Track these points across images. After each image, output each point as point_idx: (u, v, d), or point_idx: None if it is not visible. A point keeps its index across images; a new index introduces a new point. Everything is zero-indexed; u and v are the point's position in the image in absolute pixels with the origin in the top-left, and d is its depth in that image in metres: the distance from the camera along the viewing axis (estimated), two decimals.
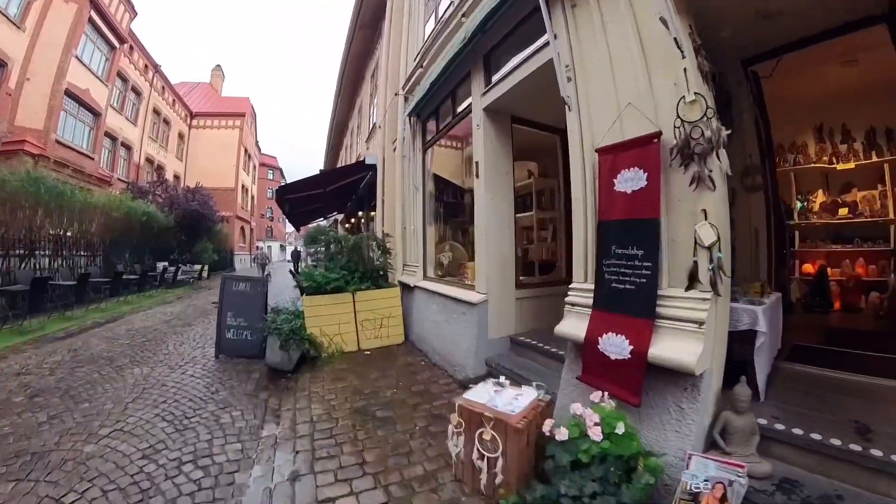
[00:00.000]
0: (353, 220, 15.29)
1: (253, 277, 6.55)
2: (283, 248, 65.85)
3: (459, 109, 5.32)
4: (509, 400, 2.55)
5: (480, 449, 2.38)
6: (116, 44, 17.99)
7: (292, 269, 16.16)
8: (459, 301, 4.68)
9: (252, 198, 39.78)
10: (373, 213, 11.46)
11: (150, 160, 22.91)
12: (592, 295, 2.68)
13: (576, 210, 2.98)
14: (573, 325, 2.78)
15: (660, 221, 2.34)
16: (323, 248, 7.40)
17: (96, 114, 16.93)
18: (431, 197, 6.50)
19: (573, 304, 2.91)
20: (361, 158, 10.04)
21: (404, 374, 4.70)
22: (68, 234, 11.08)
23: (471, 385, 2.94)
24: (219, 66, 38.92)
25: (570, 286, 3.02)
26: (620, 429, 2.06)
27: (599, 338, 2.49)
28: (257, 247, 37.06)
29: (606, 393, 2.32)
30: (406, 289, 6.44)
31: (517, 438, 2.28)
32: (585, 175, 2.90)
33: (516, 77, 3.93)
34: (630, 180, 2.44)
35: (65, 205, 10.51)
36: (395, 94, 7.69)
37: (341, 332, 5.68)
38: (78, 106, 15.81)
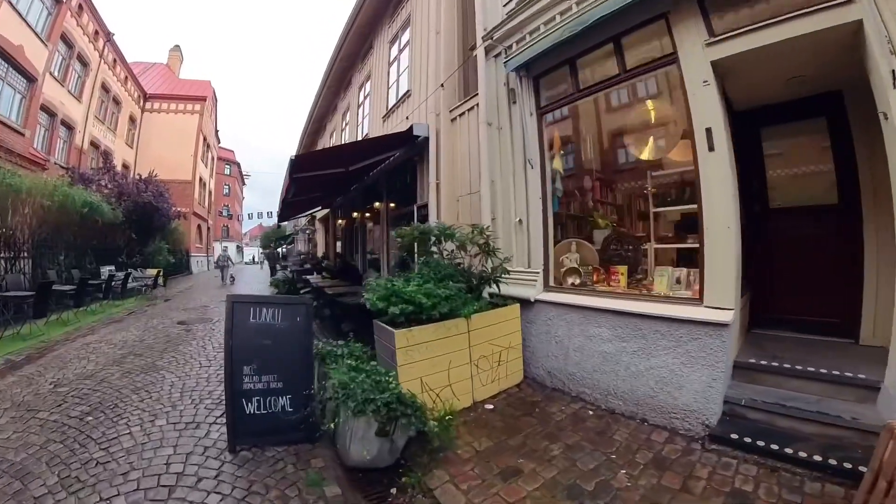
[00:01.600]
0: (353, 216, 12.78)
1: (287, 300, 4.26)
2: (239, 249, 61.15)
3: (632, 62, 3.89)
4: None
5: None
6: None
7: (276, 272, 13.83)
8: (677, 321, 3.26)
9: (210, 193, 35.99)
10: (388, 205, 9.48)
11: (95, 144, 19.30)
12: None
13: None
14: None
15: None
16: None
17: (31, 79, 13.65)
18: (554, 177, 4.79)
19: None
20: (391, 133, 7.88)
21: (588, 436, 3.11)
22: None
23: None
24: (177, 46, 35.05)
25: None
26: None
27: None
28: (224, 247, 33.38)
29: None
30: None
31: None
32: None
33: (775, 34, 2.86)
34: None
35: None
36: (471, 48, 5.67)
37: (451, 382, 3.63)
38: (6, 66, 12.57)
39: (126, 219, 14.88)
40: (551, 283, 4.51)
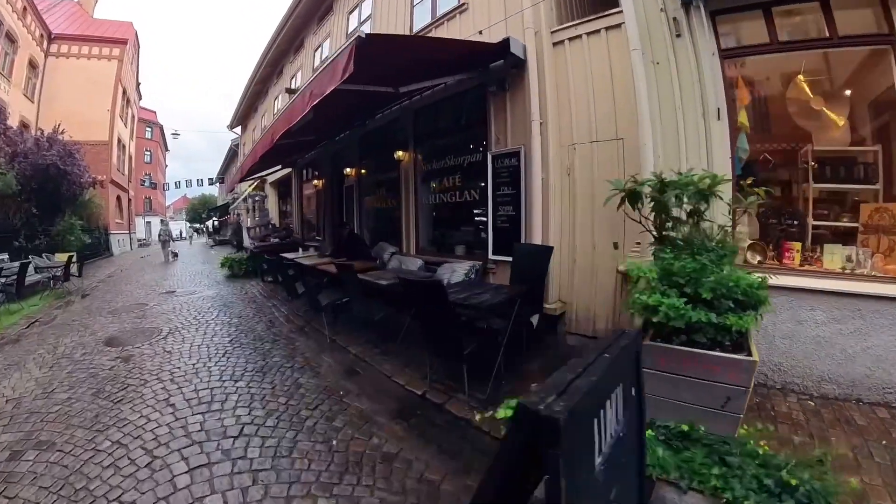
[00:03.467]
0: (346, 174, 10.44)
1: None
2: (163, 223, 54.66)
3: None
4: None
5: None
6: None
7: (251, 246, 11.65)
8: None
9: (130, 158, 31.18)
10: (417, 155, 7.62)
11: None
12: None
13: None
14: None
15: None
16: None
17: None
18: (738, 134, 4.11)
19: None
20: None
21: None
22: None
23: None
24: None
25: None
26: None
27: None
28: (165, 220, 29.10)
29: None
30: None
31: None
32: None
33: None
34: None
35: None
36: None
37: None
38: None
39: (23, 187, 11.69)
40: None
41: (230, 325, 6.60)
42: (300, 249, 10.10)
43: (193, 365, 4.75)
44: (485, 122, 6.21)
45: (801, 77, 4.20)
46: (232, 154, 30.26)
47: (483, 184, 6.27)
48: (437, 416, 3.57)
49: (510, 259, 5.32)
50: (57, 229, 13.36)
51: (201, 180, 30.41)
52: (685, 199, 3.05)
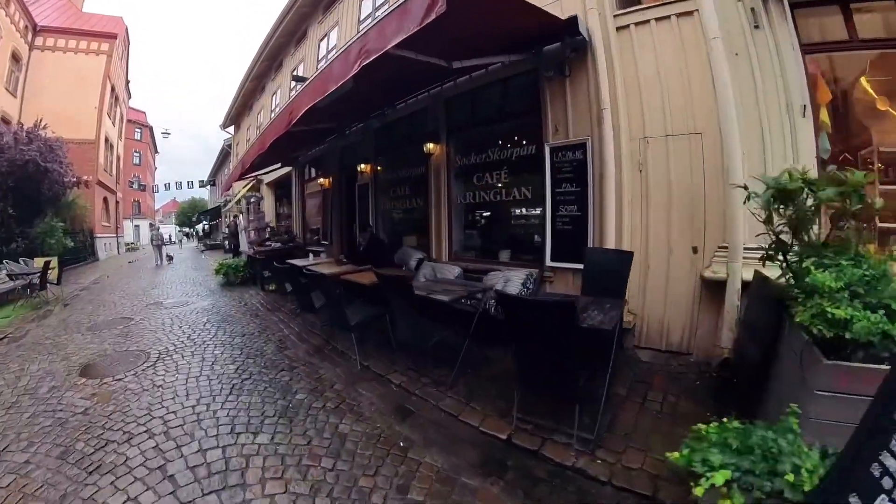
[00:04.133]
0: (359, 170, 9.10)
1: None
2: (152, 227, 53.06)
3: None
4: None
5: None
6: None
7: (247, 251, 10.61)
8: None
9: (118, 159, 29.81)
10: (449, 148, 6.62)
11: None
12: None
13: None
14: None
15: None
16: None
17: None
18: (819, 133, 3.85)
19: None
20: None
21: None
22: None
23: None
24: None
25: None
26: None
27: None
28: (155, 225, 28.30)
29: None
30: None
31: None
32: None
33: None
34: None
35: None
36: None
37: None
38: None
39: None
40: None
41: (233, 346, 5.49)
42: (310, 255, 8.98)
43: (193, 408, 3.62)
44: (537, 111, 5.42)
45: (865, 77, 4.02)
46: (224, 155, 29.23)
47: (537, 180, 5.40)
48: (535, 467, 2.69)
49: (574, 266, 4.75)
50: (36, 231, 12.13)
51: (191, 182, 29.69)
52: (830, 199, 2.55)
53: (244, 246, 14.65)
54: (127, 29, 27.40)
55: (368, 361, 4.52)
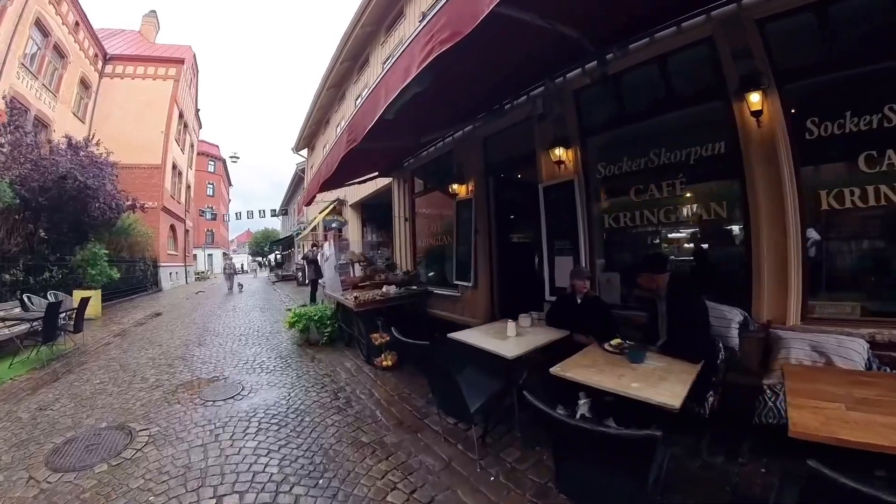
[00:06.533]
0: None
1: None
2: (225, 256, 53.63)
3: None
4: None
5: None
6: None
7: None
8: None
9: (188, 187, 29.20)
10: None
11: (18, 104, 12.08)
12: None
13: None
14: None
15: None
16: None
17: None
18: None
19: None
20: None
21: None
22: None
23: None
24: (153, 11, 28.33)
25: None
26: None
27: None
28: (228, 255, 28.32)
29: None
30: None
31: None
32: None
33: None
34: None
35: None
36: None
37: None
38: None
39: (25, 201, 8.44)
40: None
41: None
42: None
43: None
44: None
45: None
46: (297, 181, 28.18)
47: None
48: None
49: None
50: (76, 260, 10.06)
51: (263, 211, 29.02)
52: None
53: (330, 286, 8.51)
54: (195, 56, 26.97)
55: None
